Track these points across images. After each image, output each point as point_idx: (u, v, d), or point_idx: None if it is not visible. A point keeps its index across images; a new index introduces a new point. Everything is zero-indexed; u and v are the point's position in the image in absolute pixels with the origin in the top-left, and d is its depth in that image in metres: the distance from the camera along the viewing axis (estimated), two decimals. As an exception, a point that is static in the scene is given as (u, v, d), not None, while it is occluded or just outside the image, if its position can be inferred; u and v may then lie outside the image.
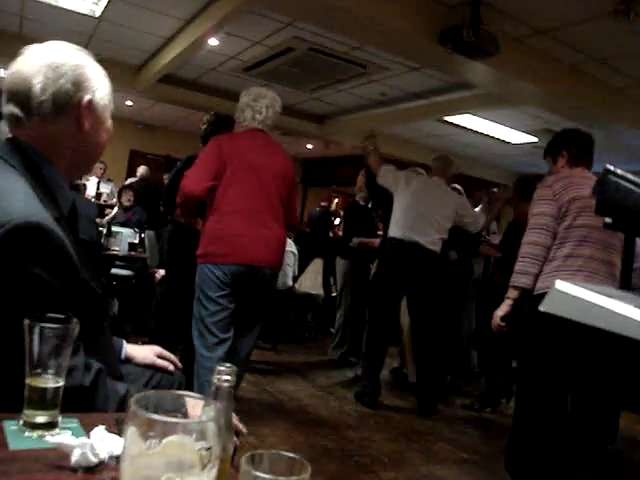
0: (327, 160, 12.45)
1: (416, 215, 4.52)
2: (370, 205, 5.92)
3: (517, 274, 2.93)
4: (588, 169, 3.02)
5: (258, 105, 3.27)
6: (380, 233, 6.20)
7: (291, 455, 0.77)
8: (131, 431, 0.62)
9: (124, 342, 1.74)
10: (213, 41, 6.22)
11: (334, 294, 6.52)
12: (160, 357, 1.74)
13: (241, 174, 3.13)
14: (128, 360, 1.71)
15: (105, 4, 5.64)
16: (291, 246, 6.18)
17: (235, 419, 1.45)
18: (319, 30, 5.47)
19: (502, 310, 3.06)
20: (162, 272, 4.77)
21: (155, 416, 0.61)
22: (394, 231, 4.58)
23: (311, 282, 6.59)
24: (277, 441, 3.53)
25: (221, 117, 4.08)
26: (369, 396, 4.51)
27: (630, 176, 1.79)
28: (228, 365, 0.85)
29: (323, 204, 9.55)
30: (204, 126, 4.06)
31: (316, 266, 6.71)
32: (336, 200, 10.91)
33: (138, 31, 6.35)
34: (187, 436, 0.63)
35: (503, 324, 3.07)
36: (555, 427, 2.82)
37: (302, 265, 6.78)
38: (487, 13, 4.50)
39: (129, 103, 9.92)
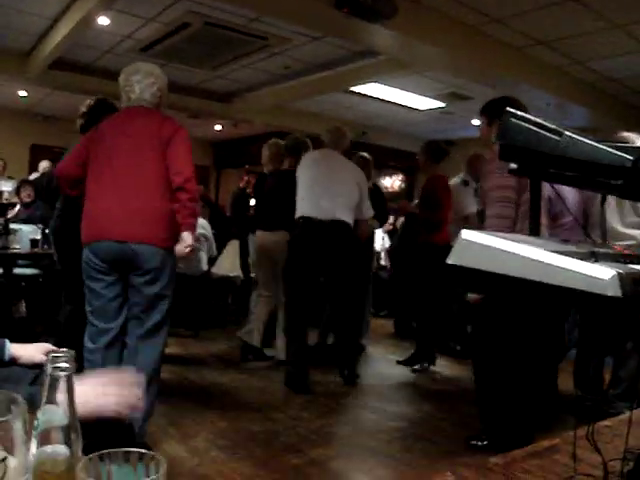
0: (238, 140, 12.19)
1: (320, 187, 4.32)
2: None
3: None
4: None
5: (129, 84, 3.06)
6: None
7: (142, 451, 0.65)
8: None
9: (6, 342, 1.55)
10: (104, 20, 5.89)
11: (253, 275, 6.37)
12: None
13: (102, 153, 2.97)
14: (14, 361, 1.53)
15: (-21, -16, 5.23)
16: (204, 229, 5.98)
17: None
18: (214, 2, 5.25)
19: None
20: None
21: None
22: (302, 209, 4.35)
23: (229, 264, 6.43)
24: (200, 430, 3.39)
25: (101, 102, 3.85)
26: (299, 381, 4.31)
27: (531, 117, 1.72)
28: (64, 350, 0.70)
29: (241, 185, 9.32)
30: (82, 114, 3.84)
31: (233, 248, 6.54)
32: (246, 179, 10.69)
33: (21, 12, 5.91)
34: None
35: (480, 296, 3.02)
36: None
37: (221, 248, 6.61)
38: (383, -25, 4.43)
39: (23, 93, 9.33)
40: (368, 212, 4.66)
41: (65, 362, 0.70)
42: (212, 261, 6.32)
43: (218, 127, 11.30)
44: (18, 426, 0.51)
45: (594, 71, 6.59)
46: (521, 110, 3.05)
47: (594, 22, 5.19)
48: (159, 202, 2.92)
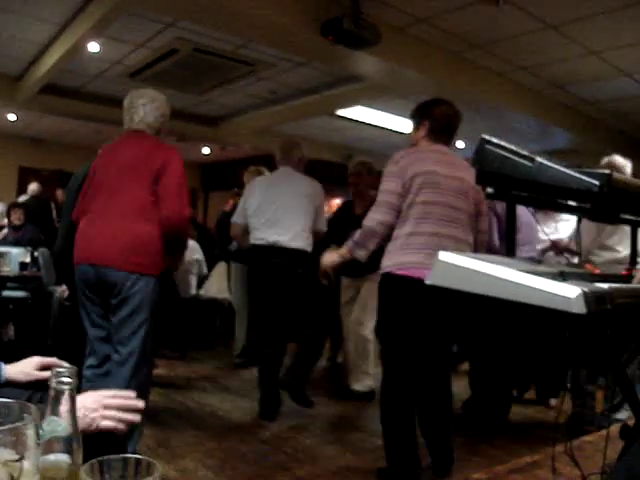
0: (226, 163, 12.31)
1: (269, 212, 4.03)
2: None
3: (357, 245, 2.91)
4: (446, 143, 2.95)
5: (134, 106, 3.14)
6: None
7: (138, 457, 0.71)
8: None
9: (1, 364, 1.59)
10: (94, 46, 5.98)
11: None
12: (42, 367, 1.58)
13: (98, 178, 3.05)
14: (10, 382, 1.56)
15: (-30, 11, 5.31)
16: (196, 253, 6.04)
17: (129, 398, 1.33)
18: (202, 29, 5.37)
19: (332, 259, 3.09)
20: (64, 288, 4.48)
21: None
22: (251, 237, 4.14)
23: (216, 287, 6.47)
24: (189, 450, 3.42)
25: None
26: (269, 411, 4.11)
27: (506, 144, 1.82)
28: (67, 366, 0.77)
29: (226, 209, 9.41)
30: None
31: (220, 270, 6.59)
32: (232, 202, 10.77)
33: (11, 38, 6.01)
34: (3, 449, 0.55)
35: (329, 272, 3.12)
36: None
37: (209, 271, 6.66)
38: (367, 3, 4.56)
39: (12, 117, 9.41)
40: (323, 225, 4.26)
41: (68, 377, 0.76)
42: (201, 281, 6.38)
43: (206, 150, 11.41)
44: (30, 432, 0.57)
45: (573, 95, 6.76)
46: (449, 113, 3.07)
47: (571, 49, 5.36)
48: (137, 227, 2.93)
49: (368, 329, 4.67)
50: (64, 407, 0.76)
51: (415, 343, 2.77)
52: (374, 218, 2.86)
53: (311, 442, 3.70)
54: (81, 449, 0.77)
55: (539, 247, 4.06)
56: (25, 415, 0.60)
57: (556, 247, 3.87)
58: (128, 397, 1.32)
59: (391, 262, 2.78)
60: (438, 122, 2.92)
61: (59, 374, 0.76)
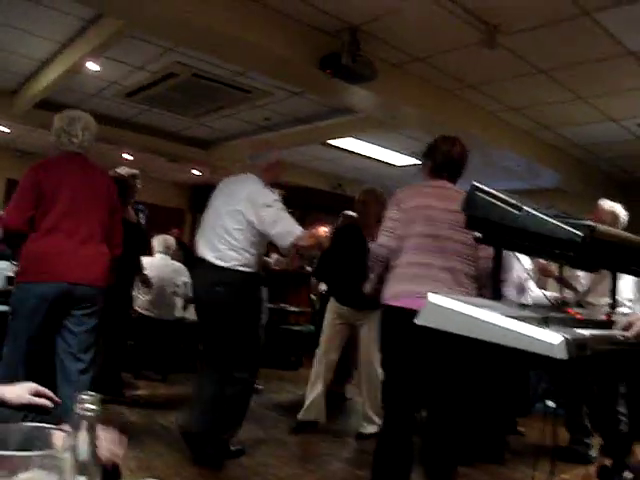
0: (215, 186, 12.33)
1: (205, 224, 3.88)
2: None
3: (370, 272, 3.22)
4: (451, 179, 3.03)
5: (73, 129, 3.30)
6: None
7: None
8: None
9: None
10: (93, 66, 6.06)
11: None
12: (36, 394, 1.63)
13: (57, 196, 3.17)
14: (1, 403, 1.61)
15: (-29, 25, 5.36)
16: (182, 275, 6.06)
17: (111, 444, 1.38)
18: (202, 55, 5.46)
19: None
20: None
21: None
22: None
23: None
24: (171, 474, 3.42)
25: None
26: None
27: (495, 192, 1.91)
28: (92, 393, 0.82)
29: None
30: None
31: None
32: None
33: (10, 53, 6.07)
34: (42, 471, 0.60)
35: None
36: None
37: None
38: (365, 40, 4.68)
39: (4, 129, 9.42)
40: (282, 239, 3.59)
41: (91, 403, 0.81)
42: (187, 304, 6.38)
43: (196, 172, 11.45)
44: (67, 456, 0.62)
45: (562, 137, 6.92)
46: (449, 149, 3.21)
47: (560, 93, 5.52)
48: (103, 248, 3.31)
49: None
50: (85, 432, 0.81)
51: (412, 375, 2.82)
52: (377, 241, 3.00)
53: (292, 470, 3.72)
54: (99, 473, 0.82)
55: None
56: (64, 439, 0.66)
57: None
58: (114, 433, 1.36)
59: (388, 293, 2.86)
60: (435, 162, 3.06)
61: (82, 400, 0.81)
